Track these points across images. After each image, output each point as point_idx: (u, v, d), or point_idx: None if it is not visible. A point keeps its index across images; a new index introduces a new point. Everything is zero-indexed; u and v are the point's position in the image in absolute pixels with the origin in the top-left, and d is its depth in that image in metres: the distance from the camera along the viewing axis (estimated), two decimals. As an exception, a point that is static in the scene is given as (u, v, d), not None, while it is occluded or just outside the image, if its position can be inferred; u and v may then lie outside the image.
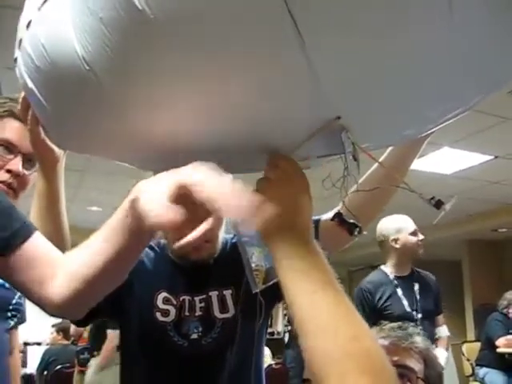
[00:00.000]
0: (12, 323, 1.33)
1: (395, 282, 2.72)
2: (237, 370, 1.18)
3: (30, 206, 1.08)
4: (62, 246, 1.01)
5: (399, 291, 2.69)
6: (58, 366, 4.63)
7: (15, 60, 0.72)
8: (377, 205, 1.15)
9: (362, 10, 0.50)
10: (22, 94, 0.87)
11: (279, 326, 7.90)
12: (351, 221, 1.01)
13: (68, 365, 4.65)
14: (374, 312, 2.61)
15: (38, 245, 0.84)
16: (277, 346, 6.26)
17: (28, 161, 1.21)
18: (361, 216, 1.05)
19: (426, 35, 0.54)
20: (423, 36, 0.54)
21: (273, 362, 5.16)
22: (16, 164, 1.19)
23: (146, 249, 1.23)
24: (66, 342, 5.30)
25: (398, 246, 2.74)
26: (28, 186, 1.23)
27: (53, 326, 5.55)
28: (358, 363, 0.53)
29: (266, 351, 5.37)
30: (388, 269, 2.79)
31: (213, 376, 1.17)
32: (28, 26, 0.67)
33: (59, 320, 4.70)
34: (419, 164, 4.65)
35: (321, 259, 0.62)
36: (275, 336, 7.61)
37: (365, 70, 0.56)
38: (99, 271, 0.74)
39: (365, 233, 1.06)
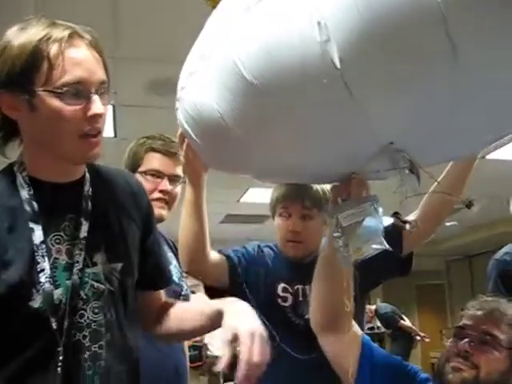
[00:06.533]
0: None
1: None
2: None
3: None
4: (204, 240, 1.41)
5: None
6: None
7: (177, 109, 1.08)
8: (439, 213, 1.50)
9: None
10: (179, 131, 1.21)
11: (377, 321, 8.05)
12: (405, 218, 1.28)
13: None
14: None
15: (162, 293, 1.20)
16: (376, 340, 6.48)
17: (171, 180, 1.63)
18: (426, 221, 1.40)
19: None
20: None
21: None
22: (165, 184, 1.61)
23: (268, 249, 1.59)
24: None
25: None
26: (176, 198, 1.65)
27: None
28: None
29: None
30: None
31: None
32: (182, 89, 1.00)
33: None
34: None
35: None
36: (375, 331, 7.78)
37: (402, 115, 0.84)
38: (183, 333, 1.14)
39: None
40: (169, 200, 1.63)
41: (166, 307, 1.17)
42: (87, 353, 0.95)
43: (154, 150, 1.64)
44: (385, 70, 0.76)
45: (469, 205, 0.96)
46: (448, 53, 0.71)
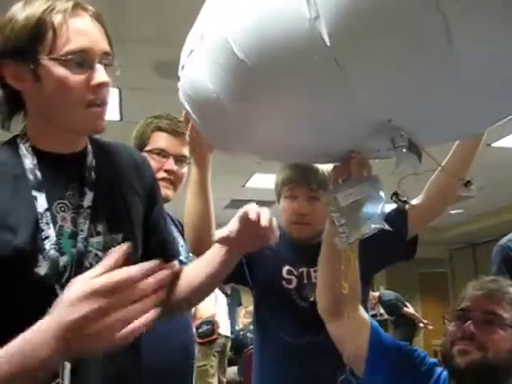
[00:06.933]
0: None
1: None
2: None
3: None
4: (209, 219, 1.43)
5: None
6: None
7: (178, 89, 1.09)
8: (444, 196, 1.49)
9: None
10: (184, 111, 1.23)
11: (380, 308, 8.09)
12: (403, 198, 1.30)
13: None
14: None
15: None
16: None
17: (177, 161, 1.63)
18: (431, 204, 1.43)
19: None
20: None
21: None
22: (170, 164, 1.61)
23: None
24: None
25: None
26: (182, 179, 1.65)
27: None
28: None
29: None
30: None
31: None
32: (182, 68, 1.01)
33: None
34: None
35: None
36: (378, 318, 7.84)
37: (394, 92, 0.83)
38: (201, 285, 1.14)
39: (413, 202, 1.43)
40: (174, 180, 1.63)
41: (177, 275, 1.18)
42: None
43: (160, 129, 1.65)
44: (373, 45, 0.74)
45: (467, 184, 0.98)
46: (438, 26, 0.69)
